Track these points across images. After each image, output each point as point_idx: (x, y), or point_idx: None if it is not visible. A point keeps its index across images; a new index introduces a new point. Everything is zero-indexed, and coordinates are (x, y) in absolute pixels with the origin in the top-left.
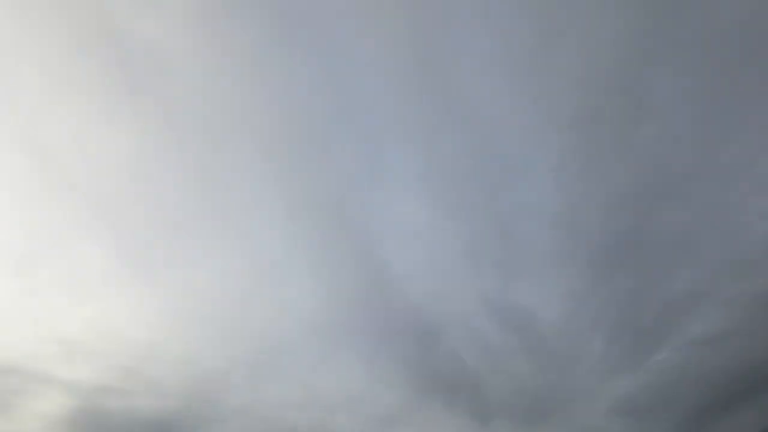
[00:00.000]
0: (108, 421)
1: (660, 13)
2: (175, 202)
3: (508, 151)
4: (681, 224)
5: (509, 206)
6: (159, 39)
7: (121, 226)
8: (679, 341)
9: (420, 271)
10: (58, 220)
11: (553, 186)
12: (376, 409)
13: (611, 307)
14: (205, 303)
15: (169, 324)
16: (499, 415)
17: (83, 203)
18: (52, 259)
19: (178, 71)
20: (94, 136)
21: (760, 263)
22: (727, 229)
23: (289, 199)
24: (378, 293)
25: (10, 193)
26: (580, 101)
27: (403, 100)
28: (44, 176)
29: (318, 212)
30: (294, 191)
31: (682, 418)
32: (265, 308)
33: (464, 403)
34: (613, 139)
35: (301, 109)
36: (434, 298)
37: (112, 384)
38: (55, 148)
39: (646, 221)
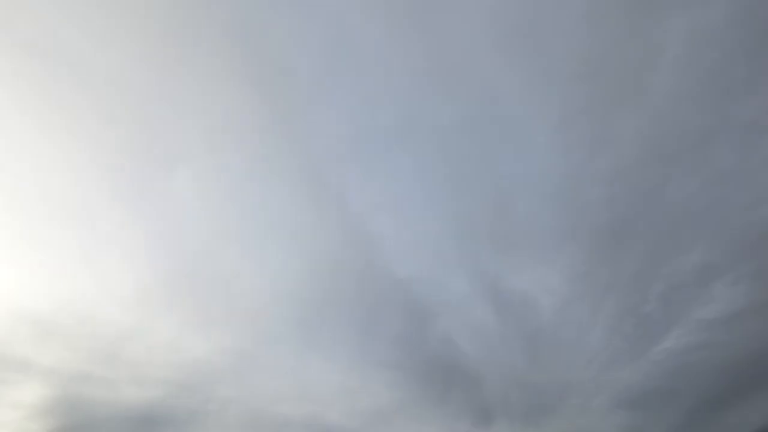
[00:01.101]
0: (90, 412)
1: None
2: (156, 176)
3: (504, 112)
4: (693, 194)
5: (506, 176)
6: None
7: (96, 198)
8: (688, 327)
9: (410, 249)
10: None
11: (554, 152)
12: (367, 401)
13: (614, 291)
14: (187, 282)
15: (151, 306)
16: (497, 410)
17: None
18: (22, 232)
19: None
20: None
21: None
22: (744, 200)
23: (270, 170)
24: (365, 270)
25: None
26: (584, 49)
27: (391, 60)
28: None
29: (298, 186)
30: (274, 161)
31: (690, 409)
32: (249, 288)
33: (459, 396)
34: (620, 94)
35: (282, 68)
36: (424, 279)
37: (91, 370)
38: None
39: (655, 192)
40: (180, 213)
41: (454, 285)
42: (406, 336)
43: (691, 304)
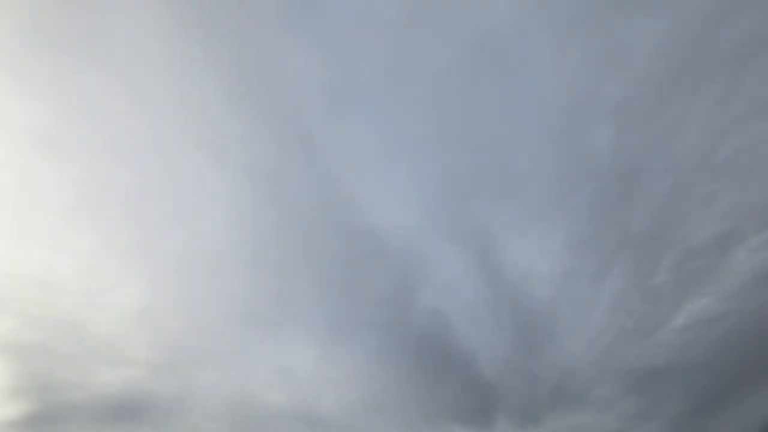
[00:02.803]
0: (60, 393)
1: None
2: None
3: (501, 45)
4: (714, 134)
5: (503, 120)
6: None
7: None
8: (703, 301)
9: (393, 204)
10: None
11: (557, 78)
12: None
13: (622, 257)
14: (165, 259)
15: (112, 273)
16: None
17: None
18: None
19: None
20: None
21: None
22: None
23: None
24: (344, 229)
25: None
26: None
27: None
28: None
29: (275, 136)
30: (252, 113)
31: (703, 394)
32: (222, 249)
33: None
34: None
35: (258, 11)
36: (410, 243)
37: (58, 347)
38: None
39: (669, 133)
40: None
41: (443, 250)
42: (389, 309)
43: (709, 275)
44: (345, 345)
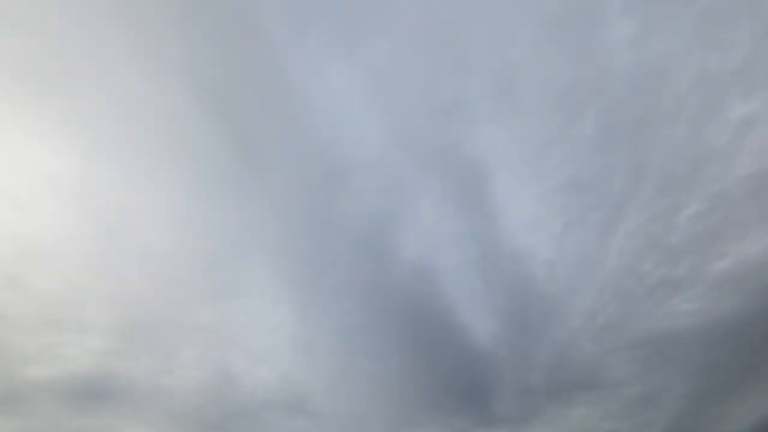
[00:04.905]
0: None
1: None
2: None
3: None
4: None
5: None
6: None
7: None
8: (728, 261)
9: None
10: None
11: None
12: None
13: (631, 208)
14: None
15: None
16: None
17: None
18: None
19: None
20: None
21: None
22: None
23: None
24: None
25: None
26: None
27: None
28: None
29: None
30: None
31: (723, 369)
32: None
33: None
34: None
35: None
36: (381, 164)
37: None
38: None
39: (708, 35)
40: None
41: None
42: (367, 269)
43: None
44: (321, 321)
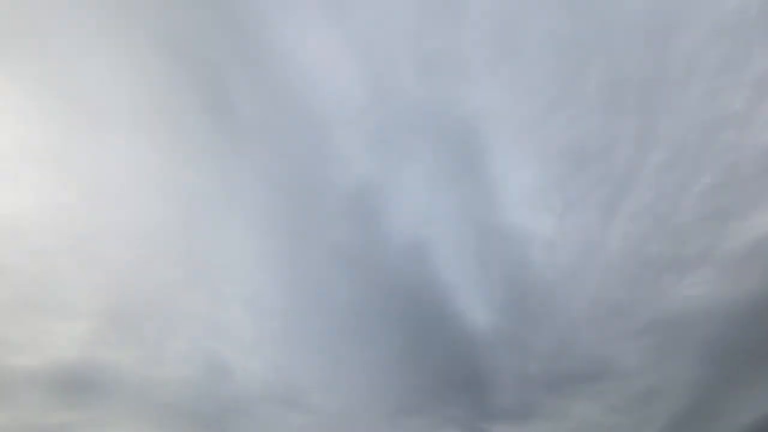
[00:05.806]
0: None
1: None
2: None
3: None
4: None
5: None
6: None
7: None
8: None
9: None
10: None
11: None
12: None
13: (639, 181)
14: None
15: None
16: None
17: None
18: None
19: None
20: None
21: None
22: None
23: None
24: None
25: None
26: None
27: None
28: None
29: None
30: None
31: (735, 356)
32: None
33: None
34: None
35: None
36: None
37: None
38: None
39: None
40: None
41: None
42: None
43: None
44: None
